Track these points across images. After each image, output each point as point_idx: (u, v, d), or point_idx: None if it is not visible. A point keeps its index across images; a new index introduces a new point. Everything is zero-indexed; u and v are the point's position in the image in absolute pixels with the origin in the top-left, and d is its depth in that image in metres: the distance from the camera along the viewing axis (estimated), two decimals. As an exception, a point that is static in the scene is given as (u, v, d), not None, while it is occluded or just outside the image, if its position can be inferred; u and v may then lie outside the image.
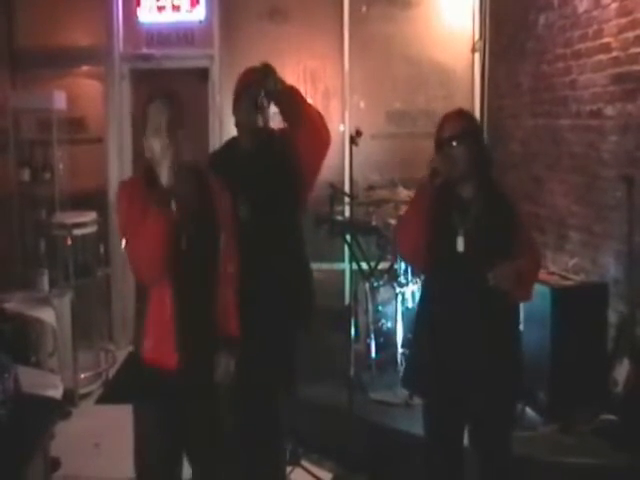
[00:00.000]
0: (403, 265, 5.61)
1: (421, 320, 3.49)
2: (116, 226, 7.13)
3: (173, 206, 2.93)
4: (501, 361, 3.25)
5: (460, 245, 3.21)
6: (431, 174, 3.21)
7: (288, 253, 3.77)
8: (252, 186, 3.61)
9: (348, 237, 5.55)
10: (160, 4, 7.25)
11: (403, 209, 5.77)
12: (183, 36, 7.39)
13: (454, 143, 3.22)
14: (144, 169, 3.10)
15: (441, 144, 3.27)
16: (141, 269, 3.05)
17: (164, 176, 2.94)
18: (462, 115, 3.44)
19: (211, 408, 3.26)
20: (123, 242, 3.15)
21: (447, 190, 3.25)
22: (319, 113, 3.82)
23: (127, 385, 3.43)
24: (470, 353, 3.21)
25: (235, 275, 3.30)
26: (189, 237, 3.04)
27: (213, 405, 3.27)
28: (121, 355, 7.00)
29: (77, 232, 6.16)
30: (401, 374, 3.61)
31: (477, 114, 7.19)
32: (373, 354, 5.50)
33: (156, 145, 2.97)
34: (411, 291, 5.57)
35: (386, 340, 5.62)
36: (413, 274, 5.58)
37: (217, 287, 3.18)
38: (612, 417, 4.30)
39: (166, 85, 3.28)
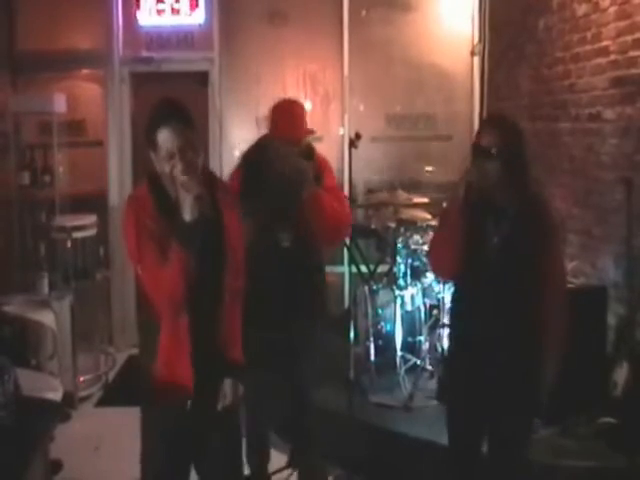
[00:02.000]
0: (402, 268, 5.62)
1: (454, 332, 3.59)
2: (116, 229, 7.18)
3: (195, 243, 2.85)
4: (526, 374, 3.23)
5: (493, 254, 3.20)
6: (466, 188, 3.18)
7: (313, 272, 4.11)
8: (292, 215, 3.86)
9: (347, 240, 5.56)
10: (160, 7, 7.25)
11: (403, 212, 5.79)
12: (183, 39, 7.39)
13: (492, 151, 3.16)
14: (149, 177, 3.03)
15: (476, 153, 3.21)
16: (162, 306, 2.96)
17: (187, 212, 2.82)
18: (501, 123, 3.33)
19: (223, 429, 3.19)
20: (137, 268, 3.06)
21: (481, 197, 3.20)
22: (341, 213, 3.98)
23: (138, 396, 3.27)
24: (498, 365, 3.22)
25: (241, 293, 3.20)
26: (198, 259, 2.93)
27: (225, 427, 3.20)
28: (121, 358, 7.01)
29: (77, 235, 6.16)
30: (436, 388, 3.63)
31: (476, 117, 7.21)
32: (372, 357, 5.50)
33: (168, 168, 2.88)
34: (410, 294, 5.57)
35: (385, 343, 5.63)
36: (413, 277, 5.58)
37: (222, 307, 3.07)
38: (612, 420, 4.30)
39: (172, 97, 3.10)
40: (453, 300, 3.65)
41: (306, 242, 3.94)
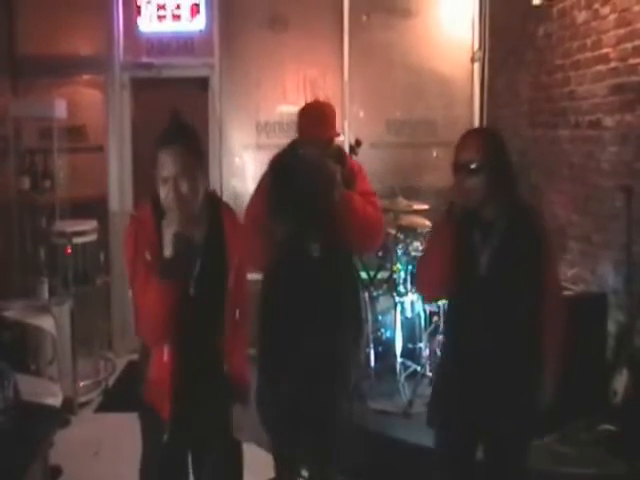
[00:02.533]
0: (402, 274, 5.62)
1: (446, 349, 3.53)
2: (116, 235, 7.18)
3: (176, 277, 2.79)
4: (521, 389, 3.18)
5: (483, 269, 3.12)
6: (448, 209, 3.14)
7: (345, 283, 3.93)
8: (321, 225, 3.69)
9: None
10: (160, 13, 7.26)
11: (403, 218, 5.79)
12: (183, 45, 7.40)
13: (472, 167, 3.08)
14: (152, 199, 2.93)
15: (456, 171, 3.13)
16: (143, 331, 2.96)
17: (167, 246, 2.76)
18: (481, 136, 3.28)
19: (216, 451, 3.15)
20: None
21: (468, 212, 3.14)
22: (375, 217, 3.82)
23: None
24: (493, 383, 3.16)
25: (246, 314, 3.19)
26: (198, 283, 2.92)
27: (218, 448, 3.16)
28: (120, 363, 7.01)
29: (77, 240, 6.16)
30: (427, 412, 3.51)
31: (476, 124, 7.21)
32: (372, 363, 5.50)
33: (162, 193, 2.82)
34: (410, 301, 5.57)
35: (385, 349, 5.63)
36: (413, 284, 5.58)
37: (224, 331, 3.02)
38: (611, 427, 4.30)
39: (180, 116, 3.03)
40: (446, 319, 3.62)
41: (338, 251, 3.78)
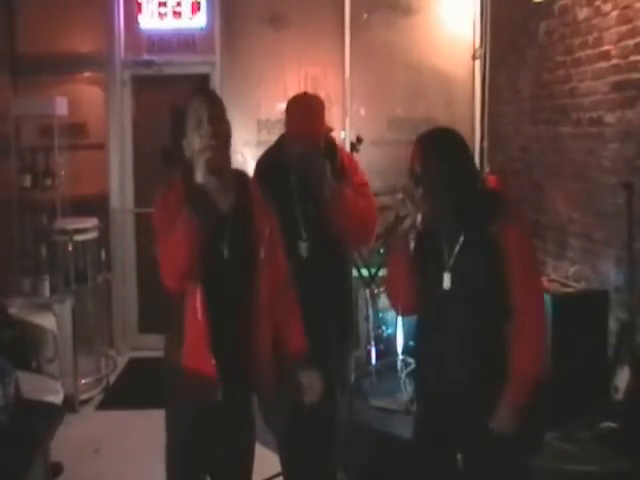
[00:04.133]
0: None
1: (416, 360, 3.47)
2: (118, 232, 7.20)
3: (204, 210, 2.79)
4: (490, 404, 2.94)
5: (446, 283, 2.99)
6: (394, 221, 3.05)
7: (338, 285, 3.85)
8: (310, 223, 3.65)
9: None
10: (161, 10, 7.26)
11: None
12: (184, 42, 7.40)
13: (416, 177, 2.97)
14: (183, 171, 2.97)
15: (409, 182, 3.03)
16: (163, 272, 2.88)
17: (199, 173, 2.82)
18: (424, 142, 3.07)
19: (246, 427, 3.15)
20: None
21: (430, 226, 3.02)
22: (367, 210, 3.77)
23: (163, 393, 3.22)
24: (456, 396, 3.03)
25: (282, 289, 3.13)
26: (232, 245, 2.92)
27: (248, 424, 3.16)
28: (122, 361, 7.02)
29: (78, 238, 6.16)
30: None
31: (477, 121, 7.21)
32: (373, 361, 5.50)
33: (196, 140, 2.87)
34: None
35: (386, 347, 5.63)
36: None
37: (256, 303, 2.98)
38: (613, 424, 4.29)
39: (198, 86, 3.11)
40: (414, 334, 3.46)
41: (328, 250, 3.68)
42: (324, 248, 3.67)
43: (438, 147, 3.04)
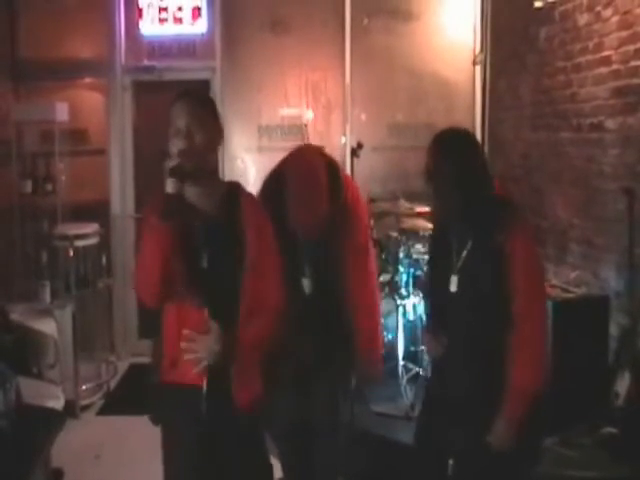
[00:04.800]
0: (404, 277, 5.62)
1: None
2: (118, 238, 7.18)
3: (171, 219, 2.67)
4: (487, 407, 2.94)
5: (453, 285, 3.01)
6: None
7: (341, 320, 3.68)
8: (313, 259, 3.57)
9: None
10: (162, 16, 7.26)
11: (405, 221, 5.80)
12: (185, 48, 7.41)
13: (428, 176, 3.01)
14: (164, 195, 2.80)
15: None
16: (138, 285, 2.81)
17: (167, 182, 2.68)
18: (438, 140, 3.07)
19: (245, 442, 2.95)
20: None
21: (442, 225, 3.13)
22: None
23: (152, 407, 3.09)
24: (455, 402, 3.05)
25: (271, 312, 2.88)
26: (211, 255, 2.79)
27: (247, 440, 2.96)
28: (122, 366, 7.01)
29: (79, 243, 6.15)
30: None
31: (478, 127, 7.22)
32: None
33: (173, 148, 2.77)
34: (412, 303, 5.58)
35: (387, 352, 5.62)
36: (414, 287, 5.59)
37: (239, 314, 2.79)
38: (613, 430, 4.29)
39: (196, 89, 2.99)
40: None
41: (331, 286, 3.57)
42: (326, 284, 3.59)
43: (449, 144, 3.05)
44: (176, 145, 2.77)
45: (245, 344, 2.79)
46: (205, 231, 2.81)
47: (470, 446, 3.01)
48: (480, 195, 2.98)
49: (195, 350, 2.74)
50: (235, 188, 2.97)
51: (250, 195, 2.99)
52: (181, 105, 2.82)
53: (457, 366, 3.04)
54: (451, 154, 2.98)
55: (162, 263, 2.70)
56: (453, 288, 3.02)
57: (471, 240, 2.97)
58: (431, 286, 3.15)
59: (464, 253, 2.99)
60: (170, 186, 2.68)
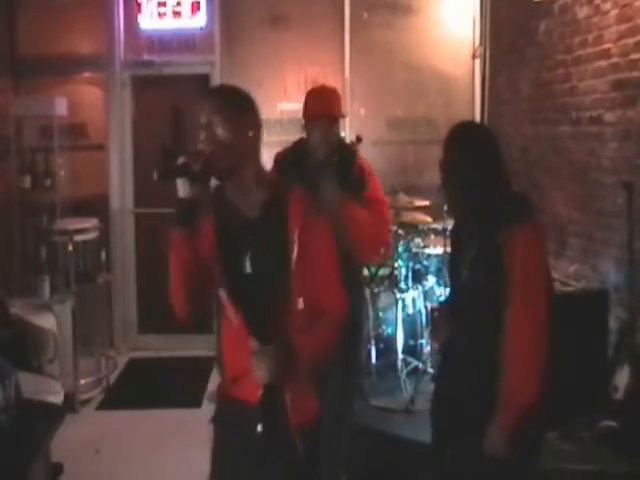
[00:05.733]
0: (403, 271, 5.62)
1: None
2: (118, 233, 7.17)
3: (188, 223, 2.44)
4: (484, 409, 2.84)
5: (464, 276, 2.97)
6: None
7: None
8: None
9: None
10: (161, 10, 7.25)
11: (404, 215, 5.80)
12: (184, 42, 7.40)
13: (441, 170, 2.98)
14: None
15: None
16: (170, 300, 2.56)
17: (178, 184, 2.42)
18: (452, 133, 3.02)
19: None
20: None
21: (457, 222, 3.17)
22: (377, 228, 3.76)
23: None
24: (458, 386, 3.00)
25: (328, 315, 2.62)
26: (254, 258, 2.55)
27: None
28: (122, 361, 7.02)
29: (78, 238, 6.16)
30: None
31: (477, 121, 7.20)
32: (374, 360, 5.50)
33: (200, 143, 2.54)
34: (412, 297, 5.58)
35: (387, 346, 5.63)
36: (414, 280, 5.59)
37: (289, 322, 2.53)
38: (613, 423, 4.29)
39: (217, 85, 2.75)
40: None
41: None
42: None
43: (462, 137, 3.01)
44: (199, 142, 2.56)
45: (304, 356, 2.50)
46: (246, 233, 2.57)
47: (467, 445, 2.97)
48: (492, 192, 2.94)
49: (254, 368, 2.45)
50: (282, 184, 2.71)
51: (298, 190, 2.67)
52: (202, 100, 2.62)
53: (459, 360, 3.01)
54: (461, 147, 2.96)
55: (184, 274, 2.49)
56: (464, 278, 2.98)
57: (478, 237, 2.91)
58: (449, 276, 3.16)
59: (472, 250, 2.93)
60: (182, 189, 2.43)
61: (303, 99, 4.07)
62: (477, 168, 2.92)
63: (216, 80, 7.29)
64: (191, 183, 2.42)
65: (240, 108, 2.63)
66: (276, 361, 2.42)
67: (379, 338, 5.66)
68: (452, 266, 3.16)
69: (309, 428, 2.61)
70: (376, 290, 5.70)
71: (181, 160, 2.45)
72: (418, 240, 5.70)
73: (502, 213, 2.89)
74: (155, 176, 2.42)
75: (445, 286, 5.39)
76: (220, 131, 2.53)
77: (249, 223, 2.58)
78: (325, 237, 2.65)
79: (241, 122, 2.59)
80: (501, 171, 3.03)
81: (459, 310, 3.02)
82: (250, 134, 2.62)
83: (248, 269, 2.55)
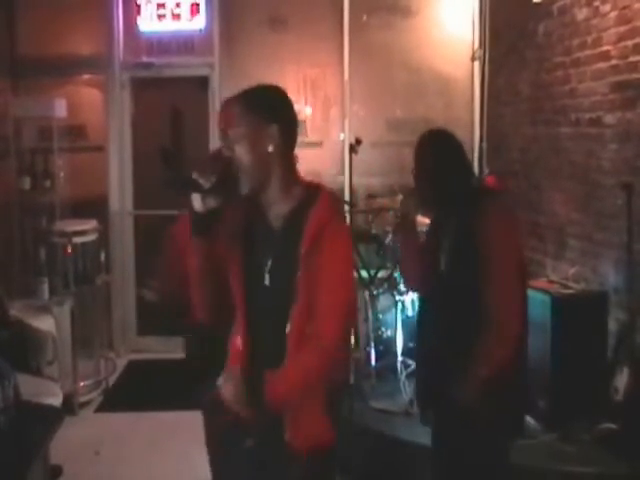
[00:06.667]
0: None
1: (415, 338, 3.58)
2: (117, 234, 7.17)
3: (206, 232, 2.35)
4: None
5: (442, 264, 3.14)
6: (401, 220, 3.37)
7: None
8: None
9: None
10: (160, 12, 7.25)
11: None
12: (183, 44, 7.40)
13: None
14: None
15: None
16: (194, 305, 2.52)
17: (193, 199, 2.33)
18: (419, 141, 3.39)
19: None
20: None
21: (434, 214, 3.33)
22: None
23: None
24: (441, 373, 3.11)
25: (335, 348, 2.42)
26: (273, 271, 2.45)
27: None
28: (121, 363, 7.02)
29: (77, 240, 6.16)
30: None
31: (477, 122, 7.21)
32: (373, 362, 5.50)
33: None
34: (411, 299, 5.57)
35: (386, 348, 5.63)
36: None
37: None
38: (612, 425, 4.29)
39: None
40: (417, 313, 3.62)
41: None
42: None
43: (424, 142, 3.38)
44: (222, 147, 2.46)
45: (276, 391, 2.38)
46: (268, 243, 2.47)
47: (448, 411, 3.10)
48: (457, 184, 3.19)
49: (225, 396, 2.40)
50: (313, 191, 2.48)
51: (325, 199, 2.46)
52: (223, 107, 2.57)
53: (442, 346, 3.12)
54: (426, 150, 3.34)
55: (201, 279, 2.45)
56: (442, 267, 3.14)
57: (453, 228, 3.11)
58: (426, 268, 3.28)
59: (448, 239, 3.13)
60: (196, 203, 2.32)
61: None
62: (441, 164, 3.24)
63: (215, 82, 7.29)
64: (203, 198, 2.31)
65: (261, 118, 2.43)
66: (241, 389, 2.37)
67: (378, 340, 5.65)
68: (429, 255, 3.23)
69: (320, 453, 2.50)
70: (375, 292, 5.69)
71: (194, 175, 2.30)
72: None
73: (474, 200, 3.10)
74: (164, 184, 2.38)
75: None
76: (237, 149, 2.39)
77: (272, 233, 2.47)
78: (338, 262, 2.42)
79: (259, 139, 2.40)
80: (463, 165, 3.29)
81: (438, 295, 3.17)
82: (270, 149, 2.41)
83: (267, 281, 2.45)
